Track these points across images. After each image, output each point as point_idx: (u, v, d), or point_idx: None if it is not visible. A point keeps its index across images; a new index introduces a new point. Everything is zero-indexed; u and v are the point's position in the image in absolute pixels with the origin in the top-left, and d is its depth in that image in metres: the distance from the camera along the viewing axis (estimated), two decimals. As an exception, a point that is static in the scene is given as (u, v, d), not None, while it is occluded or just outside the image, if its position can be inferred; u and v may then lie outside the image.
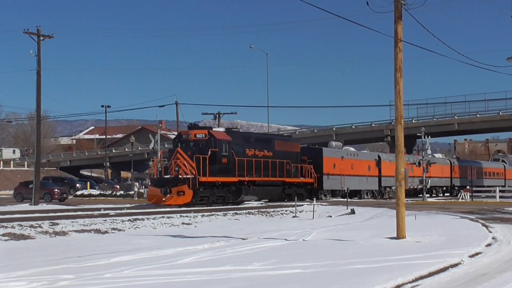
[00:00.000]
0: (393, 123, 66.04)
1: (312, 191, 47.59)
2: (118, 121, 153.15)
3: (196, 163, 37.06)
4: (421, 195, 63.26)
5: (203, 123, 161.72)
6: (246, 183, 40.93)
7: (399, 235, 17.93)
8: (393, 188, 53.78)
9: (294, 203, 32.41)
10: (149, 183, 39.62)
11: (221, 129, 42.61)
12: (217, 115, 67.23)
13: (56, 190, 50.86)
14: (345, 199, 38.81)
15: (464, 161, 77.70)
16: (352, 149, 57.22)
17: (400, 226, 18.03)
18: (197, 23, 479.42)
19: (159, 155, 40.91)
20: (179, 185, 36.63)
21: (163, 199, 36.74)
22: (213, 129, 41.49)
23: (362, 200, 49.96)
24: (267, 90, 79.61)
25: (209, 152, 37.97)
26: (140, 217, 26.15)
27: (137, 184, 61.71)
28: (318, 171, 47.99)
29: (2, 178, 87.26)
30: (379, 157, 55.94)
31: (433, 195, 64.00)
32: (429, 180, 61.89)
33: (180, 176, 36.93)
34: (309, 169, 47.23)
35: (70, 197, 57.35)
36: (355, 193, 53.09)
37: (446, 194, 66.11)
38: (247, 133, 49.95)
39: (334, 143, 54.92)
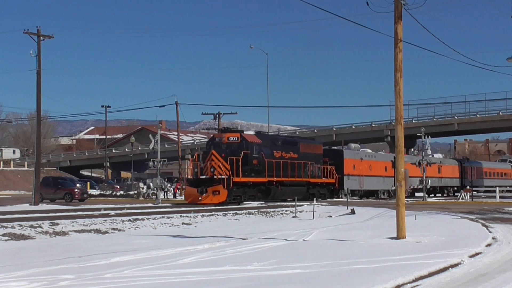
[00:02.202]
0: (393, 123, 66.09)
1: (334, 191, 49.93)
2: (118, 121, 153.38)
3: (230, 164, 39.55)
4: (439, 194, 64.86)
5: (203, 123, 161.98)
6: (274, 183, 43.30)
7: (399, 235, 17.92)
8: (416, 187, 54.99)
9: (294, 203, 32.40)
10: (186, 183, 42.44)
11: (251, 132, 45.70)
12: (217, 115, 67.20)
13: (76, 190, 50.50)
14: (361, 199, 39.58)
15: (473, 162, 79.32)
16: (369, 150, 59.37)
17: (400, 226, 18.02)
18: (197, 23, 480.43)
19: (194, 157, 42.73)
20: (215, 185, 39.23)
21: (199, 198, 39.18)
22: (244, 132, 44.21)
23: (363, 200, 50.17)
24: (267, 90, 79.49)
25: (242, 154, 40.44)
26: (140, 217, 26.14)
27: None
28: (339, 172, 50.43)
29: (2, 178, 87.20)
30: (395, 158, 56.70)
31: (444, 194, 65.35)
32: (442, 180, 64.15)
33: (215, 177, 39.46)
34: (331, 170, 49.68)
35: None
36: (372, 193, 55.32)
37: (456, 194, 67.04)
38: (275, 136, 53.17)
39: (353, 145, 57.09)
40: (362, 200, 50.18)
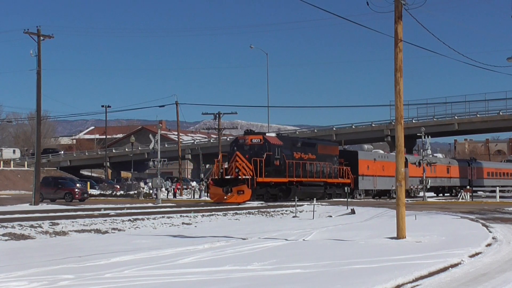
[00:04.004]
0: (393, 123, 66.16)
1: (349, 191, 51.04)
2: (118, 121, 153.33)
3: (253, 165, 41.61)
4: (447, 193, 65.72)
5: (203, 123, 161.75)
6: (294, 183, 45.28)
7: (399, 235, 17.92)
8: (418, 187, 55.98)
9: (294, 203, 32.39)
10: (211, 183, 44.32)
11: (273, 134, 48.02)
12: (217, 115, 67.14)
13: (76, 190, 50.38)
14: (374, 199, 40.12)
15: (480, 162, 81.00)
16: (381, 151, 61.26)
17: (400, 226, 18.02)
18: (197, 23, 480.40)
19: (219, 157, 44.82)
20: (239, 185, 41.41)
21: (225, 197, 41.38)
22: (266, 134, 46.42)
23: (363, 200, 50.27)
24: (267, 90, 79.70)
25: (265, 155, 42.52)
26: (140, 217, 26.12)
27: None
28: (354, 173, 52.31)
29: (2, 178, 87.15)
30: (406, 159, 58.34)
31: (452, 194, 66.52)
32: (450, 180, 65.64)
33: (239, 177, 41.60)
34: (347, 170, 51.65)
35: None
36: (384, 193, 57.01)
37: None
38: (294, 137, 55.65)
39: (366, 146, 59.52)
40: (363, 200, 50.30)
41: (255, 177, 41.56)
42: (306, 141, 51.01)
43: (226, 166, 42.99)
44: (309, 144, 49.59)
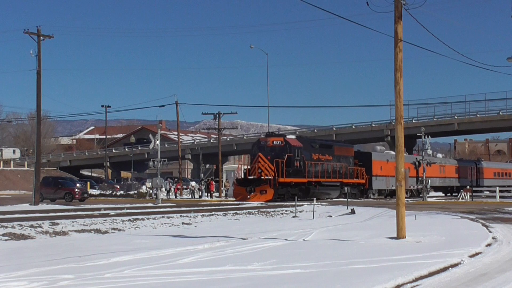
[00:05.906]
0: (393, 123, 66.24)
1: (363, 191, 53.84)
2: (118, 121, 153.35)
3: (275, 166, 43.51)
4: (455, 194, 66.61)
5: (203, 123, 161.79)
6: (313, 183, 47.22)
7: (399, 235, 17.92)
8: (428, 186, 56.97)
9: (294, 203, 32.40)
10: (235, 183, 46.56)
11: (293, 136, 49.97)
12: (217, 115, 67.10)
13: (76, 190, 50.44)
14: (386, 198, 40.81)
15: (486, 162, 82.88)
16: (393, 152, 61.65)
17: (400, 226, 18.02)
18: (197, 23, 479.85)
19: (242, 157, 46.11)
20: (262, 185, 43.41)
21: (248, 196, 43.26)
22: (287, 136, 48.36)
23: (363, 200, 50.35)
24: (267, 90, 79.72)
25: (286, 157, 44.41)
26: (140, 217, 26.14)
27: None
28: (368, 173, 54.33)
29: (2, 178, 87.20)
30: (417, 159, 59.33)
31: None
32: (459, 180, 67.36)
33: (262, 177, 43.61)
34: (361, 171, 53.65)
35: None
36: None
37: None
38: (312, 139, 57.25)
39: (378, 148, 61.63)
40: (363, 200, 50.41)
41: (277, 178, 43.26)
42: (323, 143, 52.57)
43: (249, 166, 44.88)
44: (326, 146, 51.21)
